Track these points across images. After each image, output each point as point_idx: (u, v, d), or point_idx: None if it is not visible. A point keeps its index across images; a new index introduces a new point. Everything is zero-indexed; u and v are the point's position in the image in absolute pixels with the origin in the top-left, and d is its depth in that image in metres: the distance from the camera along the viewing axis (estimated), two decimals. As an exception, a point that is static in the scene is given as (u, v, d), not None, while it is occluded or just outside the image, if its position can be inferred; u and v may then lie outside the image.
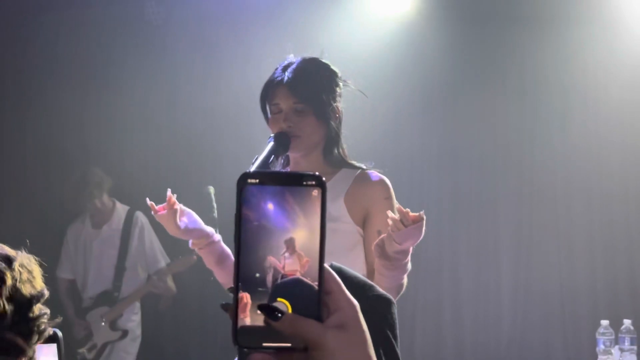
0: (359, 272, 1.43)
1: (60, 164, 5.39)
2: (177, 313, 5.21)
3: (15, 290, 1.20)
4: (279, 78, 2.26)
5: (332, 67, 2.32)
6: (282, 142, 2.18)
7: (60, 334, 1.39)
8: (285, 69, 2.27)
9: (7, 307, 1.19)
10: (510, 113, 5.22)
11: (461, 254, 5.24)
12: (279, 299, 0.72)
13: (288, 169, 2.37)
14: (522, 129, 5.21)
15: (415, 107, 5.30)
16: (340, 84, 2.32)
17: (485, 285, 5.18)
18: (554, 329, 5.05)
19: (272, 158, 2.11)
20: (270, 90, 2.28)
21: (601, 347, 3.86)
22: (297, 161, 2.32)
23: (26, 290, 1.23)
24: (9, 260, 1.22)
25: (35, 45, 5.66)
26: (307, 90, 2.23)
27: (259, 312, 0.72)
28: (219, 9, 5.42)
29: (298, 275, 0.73)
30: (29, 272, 1.25)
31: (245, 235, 0.73)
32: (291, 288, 0.72)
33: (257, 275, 0.73)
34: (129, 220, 4.82)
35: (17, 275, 1.22)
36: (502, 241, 5.20)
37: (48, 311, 1.27)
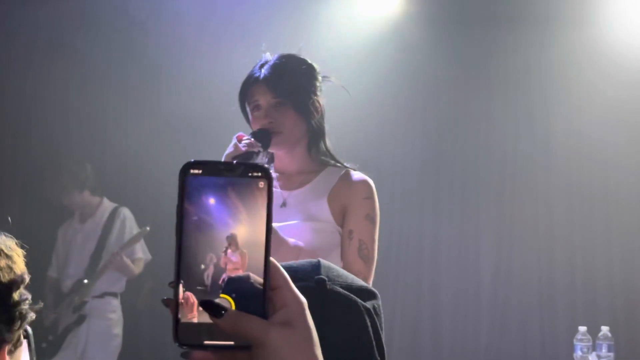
0: None
1: (46, 161, 5.37)
2: (154, 312, 5.18)
3: None
4: (256, 75, 2.25)
5: (309, 61, 2.30)
6: (263, 139, 2.17)
7: (30, 330, 1.37)
8: (262, 66, 2.26)
9: None
10: (493, 111, 5.24)
11: (441, 258, 5.25)
12: (222, 296, 0.69)
13: (272, 167, 2.35)
14: (506, 129, 5.23)
15: (400, 105, 5.31)
16: (319, 77, 2.30)
17: (464, 289, 5.19)
18: (532, 334, 5.07)
19: (252, 155, 2.09)
20: (248, 88, 2.26)
21: (578, 353, 3.87)
22: (280, 157, 2.31)
23: (5, 277, 1.20)
24: None
25: (17, 39, 5.62)
26: (285, 84, 2.22)
27: (201, 308, 0.69)
28: (205, 5, 5.41)
29: (240, 272, 0.70)
30: (7, 258, 1.22)
31: (187, 229, 0.70)
32: (236, 284, 0.70)
33: (199, 271, 0.70)
34: (113, 214, 4.86)
35: None
36: (482, 246, 5.21)
37: (29, 296, 1.25)
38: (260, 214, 0.70)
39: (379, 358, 1.10)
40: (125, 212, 4.87)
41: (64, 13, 5.54)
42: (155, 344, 5.28)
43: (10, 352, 1.23)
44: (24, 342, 1.33)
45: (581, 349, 3.88)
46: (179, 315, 0.69)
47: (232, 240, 0.70)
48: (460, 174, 5.27)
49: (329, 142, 2.34)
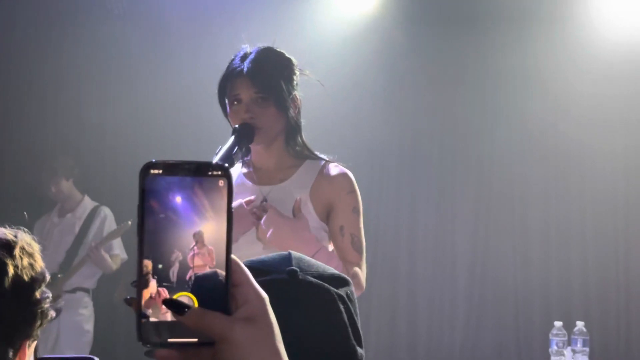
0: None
1: (23, 156, 5.35)
2: (130, 308, 5.14)
3: (17, 277, 1.18)
4: (239, 68, 2.21)
5: (288, 55, 2.28)
6: (246, 133, 2.15)
7: None
8: (243, 59, 2.23)
9: (9, 297, 1.16)
10: (470, 110, 5.26)
11: (418, 253, 5.26)
12: (184, 293, 0.70)
13: (248, 159, 2.33)
14: (482, 128, 5.25)
15: (377, 102, 5.31)
16: (297, 72, 2.29)
17: (440, 284, 5.21)
18: (507, 329, 5.10)
19: (235, 149, 2.07)
20: (230, 81, 2.23)
21: (554, 347, 3.89)
22: (259, 152, 2.29)
23: (27, 275, 1.20)
24: (9, 247, 1.19)
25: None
26: (267, 79, 2.19)
27: (164, 307, 0.69)
28: (185, 0, 5.38)
29: (207, 269, 0.70)
30: (29, 256, 1.22)
31: (152, 227, 0.70)
32: (199, 282, 0.70)
33: (164, 269, 0.70)
34: (93, 212, 4.87)
35: (19, 262, 1.19)
36: (459, 241, 5.23)
37: (50, 294, 1.25)
38: (221, 211, 0.70)
39: (355, 343, 1.10)
40: (106, 211, 4.89)
41: (40, 6, 5.48)
42: (130, 341, 5.25)
43: (28, 347, 1.23)
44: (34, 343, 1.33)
45: (557, 344, 3.90)
46: (145, 313, 0.69)
47: (199, 238, 0.70)
48: (437, 172, 5.28)
49: (305, 136, 2.33)
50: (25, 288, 1.19)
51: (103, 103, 5.55)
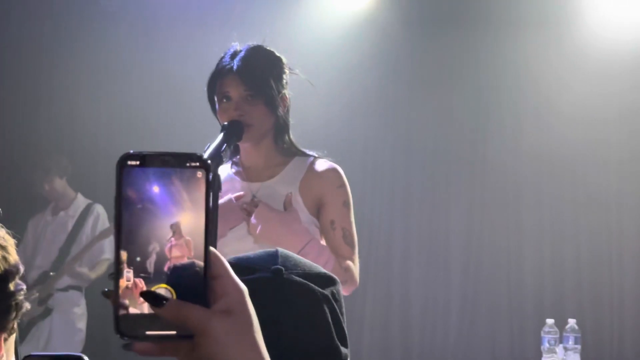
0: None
1: (15, 154, 5.34)
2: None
3: None
4: (229, 66, 2.22)
5: (278, 54, 2.29)
6: (235, 131, 2.15)
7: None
8: (233, 56, 2.23)
9: None
10: (464, 110, 5.26)
11: (411, 251, 5.27)
12: (162, 285, 0.69)
13: (236, 159, 2.33)
14: (476, 127, 5.26)
15: (370, 102, 5.31)
16: (287, 71, 2.29)
17: (433, 281, 5.21)
18: (500, 326, 5.11)
19: (224, 146, 2.07)
20: (219, 78, 2.24)
21: (546, 345, 3.90)
22: (247, 150, 2.29)
23: (0, 268, 1.20)
24: None
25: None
26: (257, 77, 2.20)
27: (142, 299, 0.69)
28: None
29: (185, 260, 0.70)
30: (2, 249, 1.21)
31: (129, 219, 0.69)
32: (177, 274, 0.69)
33: (142, 260, 0.69)
34: (87, 210, 4.87)
35: None
36: (452, 239, 5.24)
37: (24, 286, 1.26)
38: (200, 202, 0.70)
39: (338, 343, 1.10)
40: (99, 209, 4.88)
41: (32, 4, 5.46)
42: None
43: (5, 341, 1.23)
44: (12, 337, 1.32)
45: (548, 341, 3.91)
46: (123, 306, 0.69)
47: (176, 228, 0.69)
48: (431, 171, 5.28)
49: (295, 134, 2.33)
50: None
51: (96, 101, 5.54)
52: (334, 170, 2.29)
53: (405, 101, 5.33)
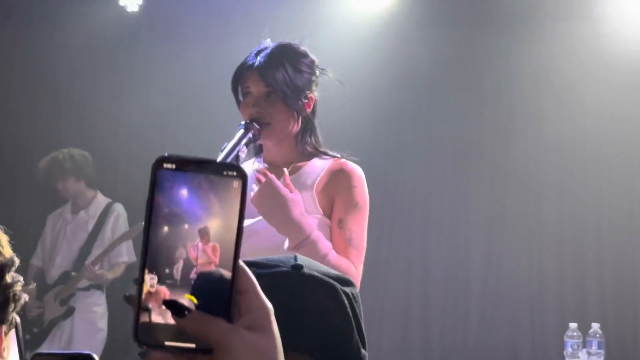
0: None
1: (36, 149, 5.38)
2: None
3: None
4: (251, 62, 2.22)
5: (308, 53, 2.26)
6: (252, 131, 2.14)
7: (18, 318, 1.37)
8: (258, 53, 2.23)
9: None
10: (485, 110, 5.22)
11: (431, 252, 5.24)
12: (186, 295, 0.67)
13: (261, 159, 2.32)
14: (498, 124, 5.22)
15: (392, 101, 5.29)
16: (317, 71, 2.27)
17: (454, 284, 5.18)
18: (522, 330, 5.06)
19: (240, 146, 2.06)
20: (241, 74, 2.24)
21: (569, 349, 3.86)
22: (269, 149, 2.28)
23: None
24: None
25: (6, 28, 5.58)
26: (277, 75, 2.18)
27: (164, 307, 0.67)
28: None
29: (212, 267, 0.68)
30: None
31: (157, 223, 0.68)
32: (202, 283, 0.68)
33: (167, 266, 0.68)
34: (107, 209, 4.86)
35: None
36: (473, 241, 5.20)
37: (21, 278, 1.26)
38: (232, 212, 0.68)
39: (358, 339, 1.08)
40: (119, 209, 4.88)
41: (54, 3, 5.50)
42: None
43: (5, 334, 1.24)
44: (12, 331, 1.34)
45: (571, 346, 3.87)
46: (144, 313, 0.67)
47: (204, 234, 0.68)
48: (452, 171, 5.26)
49: (320, 135, 2.30)
50: None
51: (117, 100, 5.58)
52: (351, 170, 2.24)
53: (426, 101, 5.30)
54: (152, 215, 0.68)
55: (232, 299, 0.68)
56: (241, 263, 0.69)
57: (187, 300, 0.67)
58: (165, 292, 0.67)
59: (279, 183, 2.07)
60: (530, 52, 5.13)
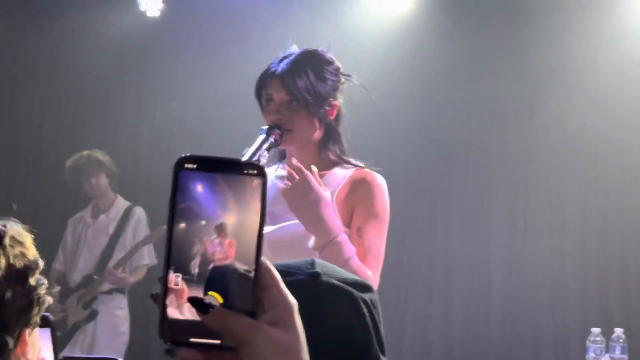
0: None
1: (60, 150, 5.44)
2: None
3: (9, 266, 1.20)
4: (273, 69, 2.22)
5: (334, 60, 2.26)
6: (273, 136, 2.14)
7: (52, 317, 1.39)
8: (282, 60, 2.23)
9: (3, 286, 1.18)
10: (507, 108, 5.19)
11: (452, 256, 5.22)
12: (210, 293, 0.68)
13: (284, 164, 2.32)
14: (520, 126, 5.18)
15: (412, 105, 5.28)
16: (342, 78, 2.27)
17: (476, 289, 5.16)
18: (544, 335, 5.03)
19: (261, 150, 2.06)
20: (264, 80, 2.24)
21: (591, 355, 3.83)
22: (292, 154, 2.29)
23: (19, 263, 1.21)
24: None
25: (30, 35, 5.64)
26: (299, 83, 2.18)
27: (189, 304, 0.68)
28: (218, 2, 5.41)
29: (229, 262, 0.69)
30: (20, 244, 1.23)
31: (182, 223, 0.69)
32: (226, 279, 0.68)
33: (187, 262, 0.69)
34: (127, 212, 4.89)
35: (9, 252, 1.20)
36: (495, 245, 5.18)
37: (45, 281, 1.27)
38: (252, 209, 0.69)
39: (377, 348, 1.08)
40: (140, 212, 4.91)
41: (75, 7, 5.54)
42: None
43: (28, 335, 1.25)
44: (47, 330, 1.36)
45: (594, 351, 3.84)
46: (168, 311, 0.68)
47: (220, 229, 0.69)
48: (474, 171, 5.24)
49: (344, 143, 2.30)
50: (19, 275, 1.21)
51: (138, 104, 5.63)
52: (373, 180, 2.22)
53: (448, 100, 5.28)
54: (174, 214, 0.69)
55: (255, 295, 0.69)
56: (264, 259, 0.70)
57: (210, 297, 0.68)
58: (187, 289, 0.68)
59: (313, 181, 2.06)
60: (555, 50, 5.08)
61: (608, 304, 4.95)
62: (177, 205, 0.69)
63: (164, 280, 0.69)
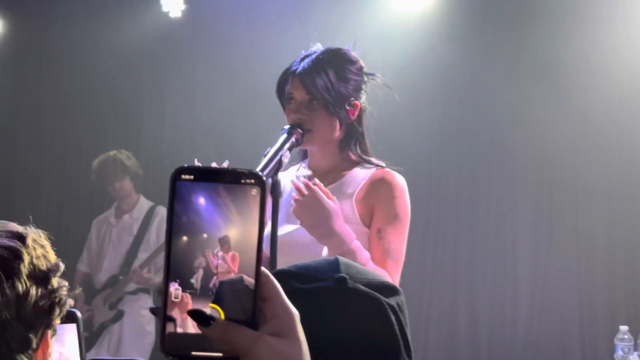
0: None
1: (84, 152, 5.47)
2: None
3: (33, 265, 1.21)
4: (294, 68, 2.22)
5: (357, 60, 2.24)
6: (295, 136, 2.14)
7: (79, 313, 1.42)
8: (304, 58, 2.22)
9: (27, 283, 1.19)
10: (530, 109, 5.14)
11: (478, 255, 5.19)
12: (211, 305, 0.68)
13: (306, 163, 2.32)
14: (543, 128, 5.13)
15: (435, 105, 5.25)
16: (365, 78, 2.25)
17: (502, 287, 5.12)
18: (571, 333, 4.99)
19: (283, 150, 2.06)
20: (285, 79, 2.24)
21: (619, 353, 3.80)
22: (313, 155, 2.28)
23: (42, 265, 1.23)
24: (22, 238, 1.22)
25: (52, 37, 5.68)
26: (319, 82, 2.17)
27: (189, 317, 0.68)
28: (240, 2, 5.42)
29: (233, 275, 0.68)
30: (42, 247, 1.25)
31: (181, 233, 0.68)
32: (225, 291, 0.68)
33: (189, 275, 0.68)
34: (150, 212, 4.91)
35: (32, 252, 1.22)
36: (520, 242, 5.14)
37: (66, 283, 1.28)
38: (252, 220, 0.68)
39: (405, 355, 1.06)
40: (163, 212, 4.91)
41: (97, 9, 5.58)
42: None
43: (51, 337, 1.26)
44: (73, 326, 1.39)
45: (622, 349, 3.81)
46: (169, 324, 0.68)
47: (224, 242, 0.68)
48: (497, 174, 5.19)
49: (367, 143, 2.28)
50: (42, 276, 1.22)
51: (161, 105, 5.65)
52: (393, 180, 2.21)
53: (469, 102, 5.25)
54: (172, 226, 0.68)
55: (256, 306, 0.68)
56: (264, 270, 0.69)
57: (211, 309, 0.68)
58: (189, 302, 0.68)
59: (322, 195, 2.05)
60: (578, 48, 5.02)
61: (636, 302, 4.89)
62: (176, 217, 0.68)
63: (164, 294, 0.68)
